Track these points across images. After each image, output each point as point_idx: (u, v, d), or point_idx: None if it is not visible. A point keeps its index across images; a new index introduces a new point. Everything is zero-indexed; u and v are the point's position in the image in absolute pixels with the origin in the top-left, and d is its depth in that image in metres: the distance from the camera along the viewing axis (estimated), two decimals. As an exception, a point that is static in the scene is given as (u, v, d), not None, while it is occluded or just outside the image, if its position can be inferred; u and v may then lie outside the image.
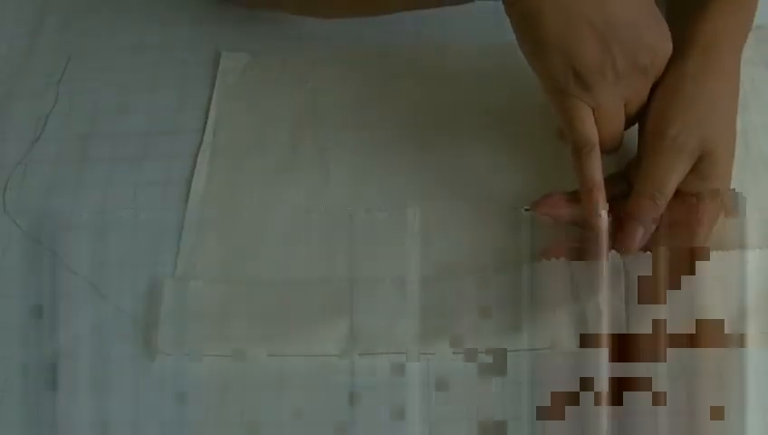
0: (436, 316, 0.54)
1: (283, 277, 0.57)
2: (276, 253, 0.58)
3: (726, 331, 0.50)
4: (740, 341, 0.50)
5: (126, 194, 0.62)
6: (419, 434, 0.51)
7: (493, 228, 0.58)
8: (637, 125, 0.57)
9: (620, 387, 0.49)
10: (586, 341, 0.50)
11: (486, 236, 0.57)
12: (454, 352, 0.52)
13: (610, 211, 0.53)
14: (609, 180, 0.54)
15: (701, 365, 0.49)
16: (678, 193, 0.54)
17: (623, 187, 0.56)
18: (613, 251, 0.52)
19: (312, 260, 0.57)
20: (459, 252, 0.57)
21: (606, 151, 0.55)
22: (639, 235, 0.52)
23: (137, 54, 0.71)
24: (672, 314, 0.50)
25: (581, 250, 0.52)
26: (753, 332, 0.51)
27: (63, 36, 0.73)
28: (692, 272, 0.50)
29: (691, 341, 0.50)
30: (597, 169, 0.53)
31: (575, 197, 0.55)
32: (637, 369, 0.49)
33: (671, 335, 0.50)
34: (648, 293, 0.50)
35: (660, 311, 0.50)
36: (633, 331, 0.50)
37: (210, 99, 0.67)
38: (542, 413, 0.50)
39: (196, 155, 0.64)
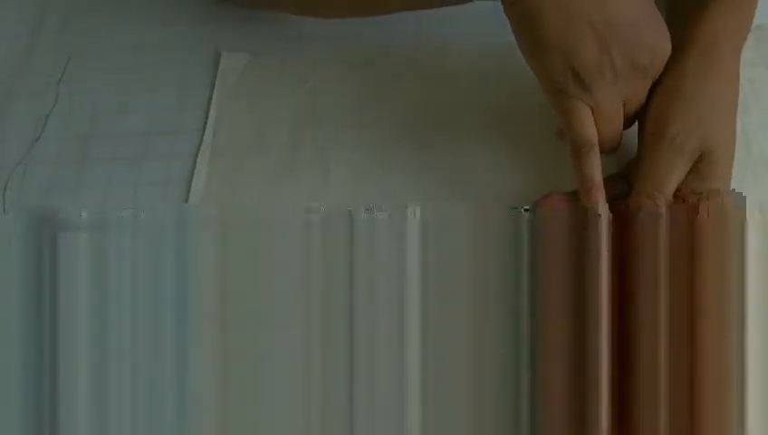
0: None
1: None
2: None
3: (726, 331, 0.50)
4: (740, 340, 0.50)
5: (126, 194, 0.62)
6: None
7: (493, 228, 0.58)
8: (637, 125, 0.57)
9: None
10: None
11: (486, 236, 0.57)
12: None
13: (610, 211, 0.53)
14: (609, 180, 0.55)
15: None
16: (678, 193, 0.54)
17: (623, 187, 0.56)
18: None
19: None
20: (459, 252, 0.57)
21: (605, 151, 0.55)
22: None
23: (137, 54, 0.71)
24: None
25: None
26: (753, 331, 0.51)
27: (63, 36, 0.73)
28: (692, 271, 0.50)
29: (691, 340, 0.50)
30: (596, 169, 0.53)
31: (575, 197, 0.55)
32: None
33: (671, 336, 0.50)
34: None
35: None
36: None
37: (210, 99, 0.67)
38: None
39: (196, 155, 0.64)
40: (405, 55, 0.68)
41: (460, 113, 0.64)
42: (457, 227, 0.58)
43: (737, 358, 0.49)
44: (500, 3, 0.53)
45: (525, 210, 0.56)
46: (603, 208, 0.52)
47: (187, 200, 0.61)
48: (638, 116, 0.56)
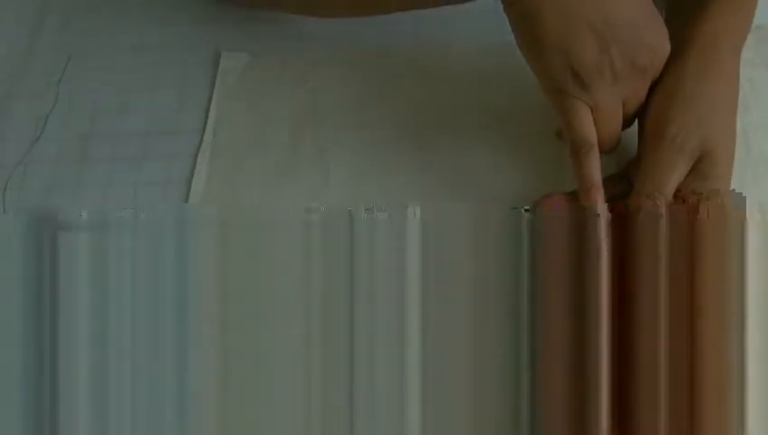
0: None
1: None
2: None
3: (726, 331, 0.50)
4: (740, 340, 0.50)
5: (126, 194, 0.62)
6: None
7: (493, 228, 0.58)
8: (637, 125, 0.57)
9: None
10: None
11: (486, 236, 0.57)
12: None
13: (610, 211, 0.53)
14: (609, 180, 0.55)
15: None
16: (678, 193, 0.54)
17: (623, 187, 0.56)
18: None
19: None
20: (459, 252, 0.57)
21: (604, 151, 0.55)
22: None
23: (137, 54, 0.71)
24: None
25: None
26: (753, 331, 0.51)
27: (63, 36, 0.73)
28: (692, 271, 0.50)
29: (691, 340, 0.50)
30: (595, 169, 0.53)
31: (575, 196, 0.55)
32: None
33: (671, 336, 0.50)
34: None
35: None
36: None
37: (210, 99, 0.67)
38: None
39: (196, 155, 0.64)
40: (405, 55, 0.68)
41: (460, 113, 0.64)
42: (457, 227, 0.58)
43: (737, 358, 0.49)
44: (500, 2, 0.53)
45: (525, 210, 0.56)
46: (603, 208, 0.52)
47: (187, 200, 0.61)
48: (637, 116, 0.56)
